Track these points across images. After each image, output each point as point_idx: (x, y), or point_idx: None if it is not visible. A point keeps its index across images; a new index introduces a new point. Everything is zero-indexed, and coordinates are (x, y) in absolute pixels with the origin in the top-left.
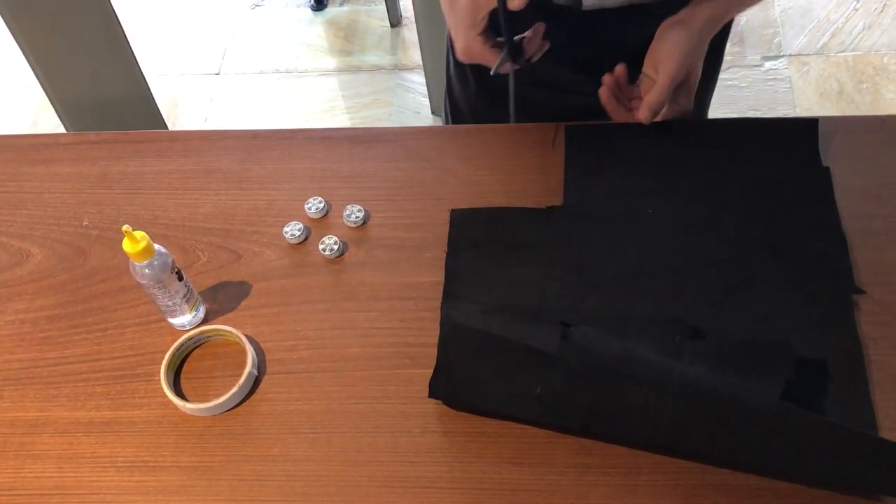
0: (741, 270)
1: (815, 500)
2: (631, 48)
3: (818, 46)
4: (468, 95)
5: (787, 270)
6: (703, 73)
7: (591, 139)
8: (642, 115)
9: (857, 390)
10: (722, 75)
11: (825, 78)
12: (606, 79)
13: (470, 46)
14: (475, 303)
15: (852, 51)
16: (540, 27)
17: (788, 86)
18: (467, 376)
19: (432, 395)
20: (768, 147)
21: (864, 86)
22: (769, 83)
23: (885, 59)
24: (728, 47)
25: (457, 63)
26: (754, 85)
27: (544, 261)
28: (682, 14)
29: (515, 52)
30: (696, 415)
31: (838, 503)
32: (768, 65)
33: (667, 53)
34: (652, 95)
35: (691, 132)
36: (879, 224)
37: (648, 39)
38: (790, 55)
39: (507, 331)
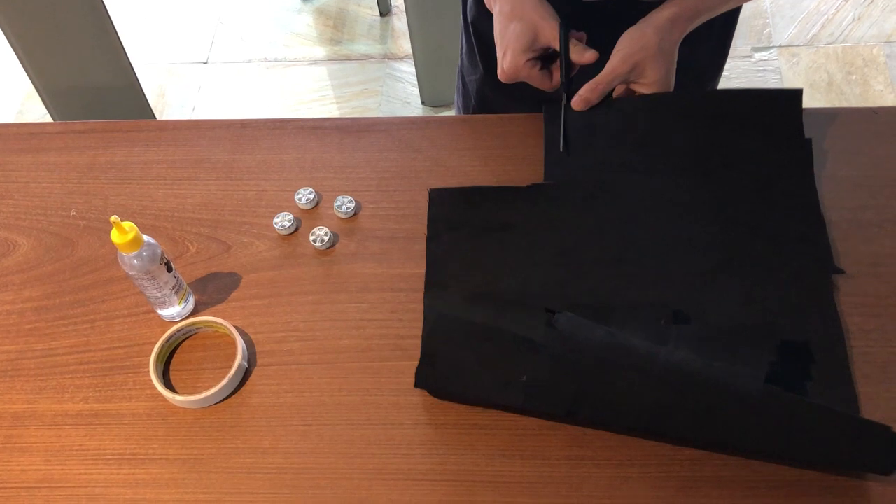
0: (722, 252)
1: (808, 491)
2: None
3: (808, 38)
4: (477, 82)
5: (767, 251)
6: (708, 65)
7: (571, 115)
8: (574, 101)
9: (839, 371)
10: None
11: (815, 69)
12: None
13: (517, 70)
14: (457, 291)
15: (842, 42)
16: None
17: (778, 77)
18: (453, 365)
19: (418, 385)
20: (751, 118)
21: (854, 77)
22: (759, 74)
23: (874, 51)
24: None
25: (469, 48)
26: (744, 76)
27: (525, 245)
28: (649, 14)
29: (569, 83)
30: (681, 399)
31: (831, 494)
32: (758, 56)
33: (615, 51)
34: (589, 85)
35: (674, 103)
36: (870, 215)
37: None
38: (780, 46)
39: (492, 319)
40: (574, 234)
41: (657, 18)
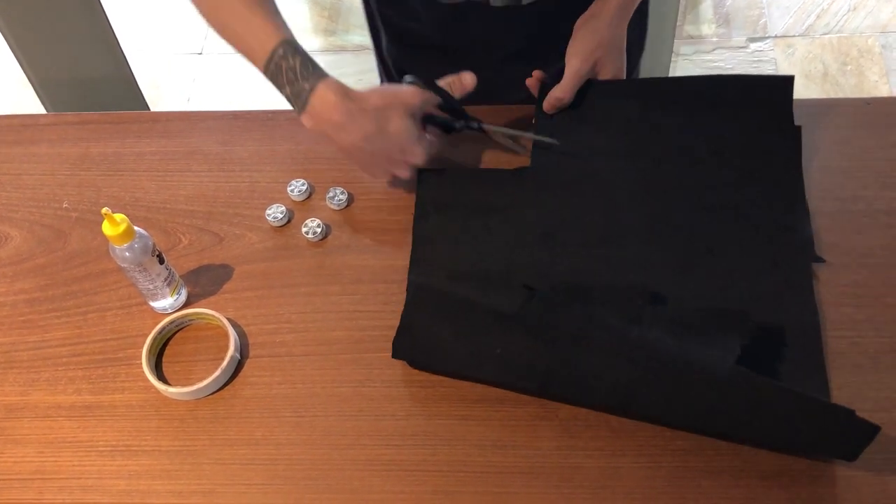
0: (705, 237)
1: (797, 480)
2: (561, 38)
3: (803, 28)
4: None
5: (750, 238)
6: (633, 43)
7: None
8: (545, 105)
9: (812, 359)
10: (707, 56)
11: (810, 60)
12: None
13: (426, 148)
14: (442, 269)
15: (837, 32)
16: (462, 78)
17: (774, 67)
18: (430, 336)
19: (395, 355)
20: (741, 104)
21: (849, 68)
22: (754, 65)
23: (869, 41)
24: (714, 28)
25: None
26: (740, 66)
27: (510, 227)
28: (594, 7)
29: (460, 117)
30: (652, 377)
31: (819, 483)
32: (754, 46)
33: (573, 51)
34: (556, 91)
35: (663, 89)
36: (862, 206)
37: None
38: (776, 37)
39: (473, 295)
40: (558, 216)
41: (606, 12)
